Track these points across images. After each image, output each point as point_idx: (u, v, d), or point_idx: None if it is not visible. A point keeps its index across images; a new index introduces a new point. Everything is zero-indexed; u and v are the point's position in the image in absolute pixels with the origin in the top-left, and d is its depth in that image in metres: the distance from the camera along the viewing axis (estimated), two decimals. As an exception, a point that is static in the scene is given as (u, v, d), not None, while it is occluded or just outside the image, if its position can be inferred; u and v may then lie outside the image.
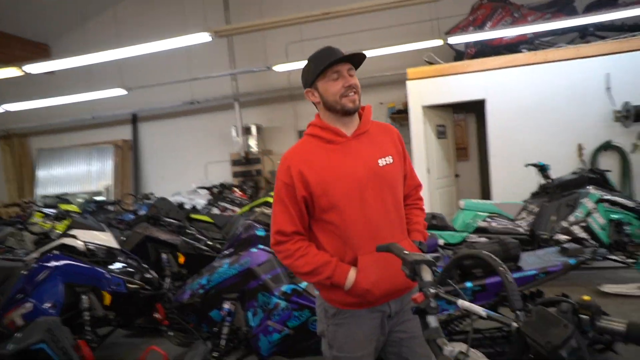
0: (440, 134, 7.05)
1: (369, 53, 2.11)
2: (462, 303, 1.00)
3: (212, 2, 8.40)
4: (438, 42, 6.74)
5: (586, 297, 0.83)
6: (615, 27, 6.54)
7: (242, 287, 2.81)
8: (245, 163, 8.75)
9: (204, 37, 5.26)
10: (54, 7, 8.85)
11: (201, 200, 7.06)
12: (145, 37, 5.39)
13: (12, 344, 2.48)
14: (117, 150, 9.69)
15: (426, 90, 6.41)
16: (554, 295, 2.72)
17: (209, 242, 4.29)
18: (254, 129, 8.85)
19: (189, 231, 4.34)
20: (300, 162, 1.69)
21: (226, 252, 3.08)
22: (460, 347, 0.98)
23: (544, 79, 6.06)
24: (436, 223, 4.48)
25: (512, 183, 5.96)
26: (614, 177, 5.35)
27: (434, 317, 1.06)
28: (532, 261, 2.72)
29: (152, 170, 9.97)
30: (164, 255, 4.02)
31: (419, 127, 6.54)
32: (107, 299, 3.28)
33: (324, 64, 1.66)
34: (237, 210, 6.33)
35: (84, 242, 3.46)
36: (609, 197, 4.33)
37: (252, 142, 8.84)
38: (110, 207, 7.03)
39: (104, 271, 3.31)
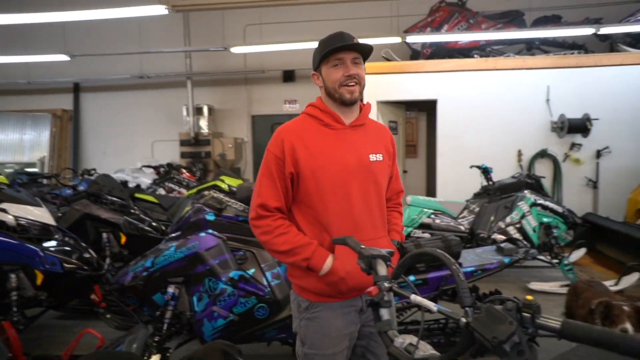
0: (392, 129, 7.23)
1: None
2: (415, 297, 1.05)
3: (170, -27, 8.06)
4: (396, 40, 6.88)
5: (529, 297, 0.90)
6: (557, 44, 7.03)
7: (188, 272, 2.76)
8: (194, 144, 8.49)
9: (159, 9, 5.06)
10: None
11: (146, 179, 6.80)
12: (95, 2, 5.08)
13: None
14: (55, 120, 9.07)
15: (382, 86, 6.53)
16: (488, 292, 2.93)
17: (154, 223, 4.17)
18: (205, 110, 8.62)
19: (133, 211, 4.20)
20: (294, 138, 1.66)
21: (173, 234, 3.00)
22: (411, 339, 1.03)
23: (492, 85, 6.38)
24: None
25: (456, 182, 6.23)
26: (546, 183, 5.75)
27: (387, 310, 1.10)
28: (471, 258, 2.88)
29: (94, 144, 9.44)
30: (104, 235, 3.87)
31: (372, 122, 6.66)
32: (39, 278, 3.10)
33: (327, 48, 1.63)
34: (185, 192, 6.16)
35: (15, 216, 3.22)
36: (541, 201, 4.65)
37: (203, 123, 8.62)
38: (45, 181, 6.59)
39: (37, 249, 3.11)
